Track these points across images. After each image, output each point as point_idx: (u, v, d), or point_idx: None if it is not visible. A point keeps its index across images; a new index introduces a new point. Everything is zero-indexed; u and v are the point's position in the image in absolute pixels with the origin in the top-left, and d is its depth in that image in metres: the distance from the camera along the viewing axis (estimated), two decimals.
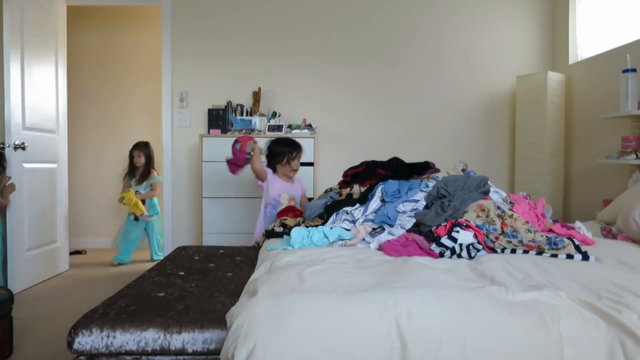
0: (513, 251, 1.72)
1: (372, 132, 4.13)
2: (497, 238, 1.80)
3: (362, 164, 2.63)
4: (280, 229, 2.35)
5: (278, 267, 1.57)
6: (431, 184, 2.17)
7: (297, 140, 3.03)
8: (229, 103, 3.92)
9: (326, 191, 2.63)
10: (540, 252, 1.69)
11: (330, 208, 2.28)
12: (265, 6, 4.09)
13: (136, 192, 4.15)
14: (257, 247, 2.53)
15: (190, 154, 4.10)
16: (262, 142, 3.01)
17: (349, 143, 4.07)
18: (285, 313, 1.16)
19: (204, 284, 1.75)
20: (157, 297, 1.58)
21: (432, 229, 1.83)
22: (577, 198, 3.79)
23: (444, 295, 1.24)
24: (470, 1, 4.14)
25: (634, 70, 2.84)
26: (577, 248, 1.70)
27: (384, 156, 2.78)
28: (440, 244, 1.72)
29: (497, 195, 2.19)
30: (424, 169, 2.50)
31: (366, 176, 2.52)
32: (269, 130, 3.73)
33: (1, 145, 3.18)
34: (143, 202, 4.14)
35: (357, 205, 2.20)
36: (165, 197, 4.11)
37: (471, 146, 4.18)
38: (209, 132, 3.85)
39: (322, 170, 3.96)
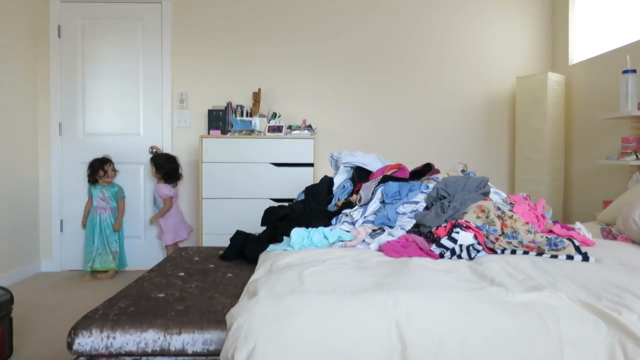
0: (513, 252, 1.72)
1: (372, 133, 4.13)
2: (497, 239, 1.80)
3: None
4: None
5: (278, 268, 1.56)
6: (431, 185, 2.17)
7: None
8: (229, 104, 3.92)
9: None
10: (540, 253, 1.69)
11: None
12: (266, 7, 4.09)
13: None
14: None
15: (190, 154, 4.10)
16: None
17: (348, 144, 4.07)
18: (285, 314, 1.16)
19: (204, 284, 1.75)
20: (157, 298, 1.58)
21: (432, 230, 1.83)
22: (577, 199, 3.79)
23: (444, 296, 1.24)
24: (470, 2, 4.14)
25: (633, 71, 2.84)
26: (577, 249, 1.70)
27: (383, 156, 2.79)
28: (440, 245, 1.71)
29: (497, 196, 2.19)
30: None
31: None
32: (269, 131, 3.73)
33: None
34: None
35: (357, 206, 2.20)
36: None
37: (471, 147, 4.18)
38: (209, 133, 3.85)
39: (321, 171, 3.95)
